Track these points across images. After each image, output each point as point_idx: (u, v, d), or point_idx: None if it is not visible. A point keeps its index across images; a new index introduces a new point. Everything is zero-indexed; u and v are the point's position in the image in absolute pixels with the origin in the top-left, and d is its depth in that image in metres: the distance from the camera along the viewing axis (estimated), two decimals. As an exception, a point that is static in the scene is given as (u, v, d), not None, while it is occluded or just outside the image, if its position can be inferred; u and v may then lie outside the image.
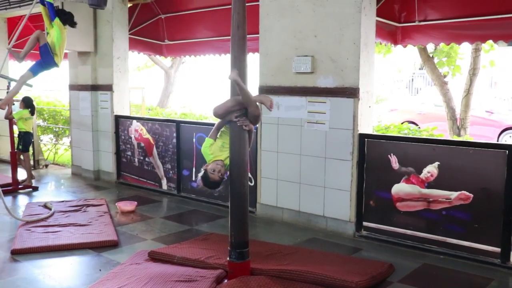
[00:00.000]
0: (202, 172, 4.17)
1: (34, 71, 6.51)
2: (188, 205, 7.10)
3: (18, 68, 12.83)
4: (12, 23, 11.39)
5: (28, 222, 6.05)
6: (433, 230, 5.04)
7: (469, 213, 4.80)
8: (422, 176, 5.06)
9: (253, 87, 5.26)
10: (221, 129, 4.20)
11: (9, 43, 11.27)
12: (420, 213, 5.11)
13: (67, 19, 6.58)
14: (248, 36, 4.03)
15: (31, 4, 9.39)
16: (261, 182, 6.35)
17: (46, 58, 6.43)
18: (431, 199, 5.02)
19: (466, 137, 8.83)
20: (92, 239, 5.41)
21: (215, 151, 4.14)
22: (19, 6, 9.90)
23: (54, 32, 6.34)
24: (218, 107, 4.06)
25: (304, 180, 5.94)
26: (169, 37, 9.81)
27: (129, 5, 8.67)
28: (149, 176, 7.94)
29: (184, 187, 7.44)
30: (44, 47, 6.40)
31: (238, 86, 3.97)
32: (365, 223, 5.54)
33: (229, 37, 4.03)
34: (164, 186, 7.72)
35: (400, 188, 5.23)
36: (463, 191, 4.82)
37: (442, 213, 4.96)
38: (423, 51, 9.24)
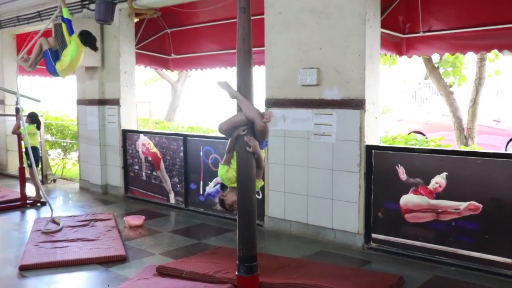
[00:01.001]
0: (220, 197, 4.15)
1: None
2: (196, 218, 7.10)
3: (28, 81, 12.93)
4: (21, 39, 11.51)
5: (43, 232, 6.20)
6: (443, 241, 5.01)
7: (479, 223, 4.77)
8: (430, 187, 5.04)
9: (259, 100, 5.29)
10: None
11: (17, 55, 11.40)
12: (429, 224, 5.08)
13: (89, 41, 6.80)
14: (253, 49, 4.04)
15: (39, 21, 9.56)
16: (268, 195, 6.34)
17: (47, 63, 6.62)
18: (440, 210, 4.99)
19: (474, 146, 8.79)
20: (100, 254, 5.41)
21: (232, 178, 4.11)
22: (28, 23, 10.03)
23: (71, 46, 6.56)
24: (223, 123, 4.03)
25: (312, 193, 5.93)
26: (175, 51, 9.87)
27: (136, 20, 8.73)
28: (157, 190, 7.95)
29: (192, 200, 7.44)
30: (45, 53, 6.61)
31: (238, 100, 3.93)
32: (374, 235, 5.52)
33: (235, 50, 4.04)
34: (172, 200, 7.73)
35: (408, 199, 5.21)
36: (472, 202, 4.79)
37: (451, 224, 4.93)
38: (428, 61, 9.22)
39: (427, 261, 5.10)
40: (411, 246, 5.22)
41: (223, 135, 4.16)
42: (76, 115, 9.48)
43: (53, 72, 6.72)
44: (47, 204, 7.00)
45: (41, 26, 9.85)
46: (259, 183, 4.14)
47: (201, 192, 7.27)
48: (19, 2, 9.99)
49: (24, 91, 7.84)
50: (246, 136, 3.94)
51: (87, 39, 6.76)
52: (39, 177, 8.33)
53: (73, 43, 6.55)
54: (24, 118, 8.43)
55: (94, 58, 8.39)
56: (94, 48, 6.97)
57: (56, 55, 6.72)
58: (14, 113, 8.01)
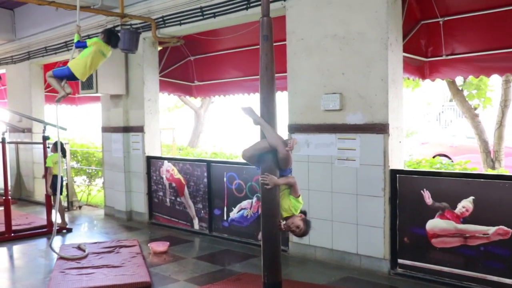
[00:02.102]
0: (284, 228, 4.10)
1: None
2: (220, 244, 7.09)
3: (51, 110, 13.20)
4: (48, 69, 11.79)
5: (68, 259, 6.26)
6: (471, 267, 4.91)
7: (509, 248, 4.67)
8: (457, 211, 4.97)
9: (282, 126, 5.30)
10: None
11: (45, 88, 11.70)
12: (456, 249, 4.99)
13: (112, 40, 6.40)
14: (276, 75, 4.07)
15: (66, 51, 9.80)
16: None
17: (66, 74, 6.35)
18: (467, 235, 4.91)
19: (501, 170, 8.63)
20: (125, 281, 5.42)
21: (287, 207, 4.07)
22: (55, 53, 10.29)
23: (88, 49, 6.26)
24: (246, 150, 4.04)
25: (336, 218, 5.89)
26: (198, 78, 9.99)
27: (159, 48, 8.89)
28: (181, 216, 7.98)
29: (216, 226, 7.44)
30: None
31: (261, 127, 3.95)
32: (400, 261, 5.44)
33: (258, 77, 4.08)
34: (196, 225, 7.74)
35: (434, 224, 5.14)
36: (501, 226, 4.70)
37: (480, 249, 4.83)
38: (452, 84, 9.16)
39: (455, 287, 5.00)
40: (439, 272, 5.13)
41: (246, 162, 4.17)
42: (101, 142, 9.62)
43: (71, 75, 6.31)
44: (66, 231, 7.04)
45: (68, 56, 10.13)
46: (295, 203, 4.07)
47: (225, 218, 7.27)
48: (47, 33, 10.28)
49: (51, 120, 8.00)
50: (260, 175, 3.96)
51: (113, 38, 6.39)
52: (64, 204, 8.43)
53: (90, 46, 6.22)
54: (51, 147, 8.60)
55: (119, 86, 8.54)
56: (115, 46, 6.51)
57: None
58: (41, 141, 8.15)
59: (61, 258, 6.37)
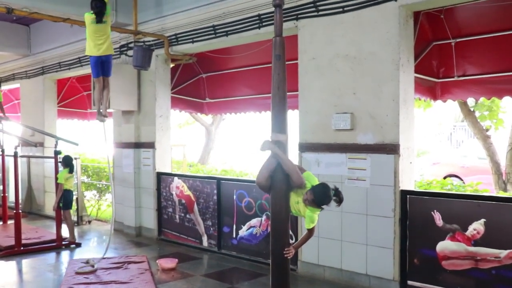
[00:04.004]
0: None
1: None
2: (229, 262, 7.06)
3: (67, 125, 13.31)
4: (61, 84, 11.98)
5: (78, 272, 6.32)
6: (482, 291, 4.85)
7: (520, 273, 4.61)
8: (468, 233, 4.92)
9: (293, 144, 5.31)
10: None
11: (58, 103, 11.84)
12: (467, 272, 4.94)
13: (92, 6, 6.30)
14: (287, 93, 4.09)
15: (79, 66, 9.93)
16: (302, 239, 6.28)
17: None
18: (478, 258, 4.86)
19: (513, 192, 8.57)
20: (133, 297, 5.42)
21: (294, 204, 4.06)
22: (69, 69, 10.41)
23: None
24: (259, 177, 4.00)
25: (346, 237, 5.85)
26: (210, 95, 10.05)
27: (172, 65, 8.97)
28: (190, 232, 7.97)
29: (225, 244, 7.42)
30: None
31: (277, 157, 3.92)
32: (409, 282, 5.38)
33: (269, 95, 4.10)
34: (205, 243, 7.72)
35: (445, 246, 5.09)
36: (512, 250, 4.65)
37: (491, 273, 4.78)
38: (463, 105, 9.14)
39: (466, 311, 4.94)
40: (449, 295, 5.07)
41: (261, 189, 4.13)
42: (112, 158, 9.66)
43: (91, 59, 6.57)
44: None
45: (81, 72, 10.27)
46: (311, 212, 3.97)
47: (234, 236, 7.25)
48: (61, 49, 10.43)
49: (63, 134, 8.07)
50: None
51: (91, 5, 6.27)
52: (73, 219, 8.45)
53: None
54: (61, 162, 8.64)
55: (131, 102, 8.61)
56: (94, 8, 6.28)
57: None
58: (53, 155, 8.21)
59: (72, 273, 6.39)
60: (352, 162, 5.78)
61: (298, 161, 6.30)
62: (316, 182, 4.03)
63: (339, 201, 3.99)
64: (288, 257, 4.00)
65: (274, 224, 4.04)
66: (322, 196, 3.91)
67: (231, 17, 7.19)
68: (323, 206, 3.95)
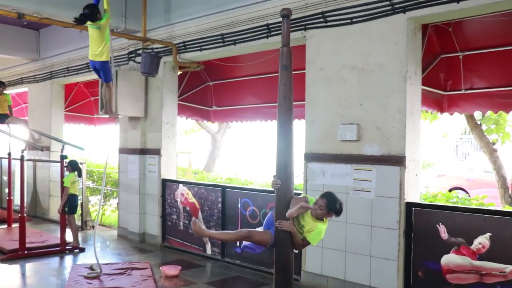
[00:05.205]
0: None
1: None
2: (232, 270, 7.05)
3: (73, 129, 13.38)
4: (69, 89, 12.04)
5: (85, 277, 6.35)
6: (486, 306, 4.82)
7: (525, 288, 4.58)
8: (473, 247, 4.90)
9: (299, 154, 5.32)
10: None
11: (65, 108, 11.90)
12: (472, 286, 4.91)
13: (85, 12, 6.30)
14: (294, 103, 4.10)
15: (87, 72, 9.97)
16: (306, 250, 6.26)
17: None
18: (483, 272, 4.83)
19: (519, 206, 8.53)
20: (136, 304, 5.41)
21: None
22: (77, 74, 10.47)
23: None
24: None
25: (350, 249, 5.84)
26: (216, 103, 10.08)
27: (179, 72, 9.00)
28: (194, 240, 7.97)
29: (228, 252, 7.41)
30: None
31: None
32: (413, 295, 5.36)
33: (276, 104, 4.11)
34: (208, 250, 7.72)
35: (450, 259, 5.07)
36: (518, 265, 4.62)
37: (496, 288, 4.75)
38: (470, 118, 9.12)
39: (470, 325, 4.91)
40: (453, 309, 5.04)
41: (262, 189, 4.16)
42: (117, 163, 9.69)
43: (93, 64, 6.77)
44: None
45: (89, 77, 10.31)
46: (323, 224, 4.07)
47: (238, 244, 7.24)
48: (70, 54, 10.49)
49: (69, 139, 8.10)
50: (276, 222, 4.02)
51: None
52: (77, 223, 8.46)
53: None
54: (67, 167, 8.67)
55: (138, 108, 8.64)
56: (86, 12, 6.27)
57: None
58: (59, 160, 8.24)
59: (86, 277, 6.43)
60: (357, 173, 5.77)
61: (304, 171, 6.30)
62: None
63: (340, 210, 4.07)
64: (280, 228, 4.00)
65: (278, 234, 4.04)
66: (333, 197, 4.02)
67: (240, 26, 7.22)
68: (333, 215, 4.03)
